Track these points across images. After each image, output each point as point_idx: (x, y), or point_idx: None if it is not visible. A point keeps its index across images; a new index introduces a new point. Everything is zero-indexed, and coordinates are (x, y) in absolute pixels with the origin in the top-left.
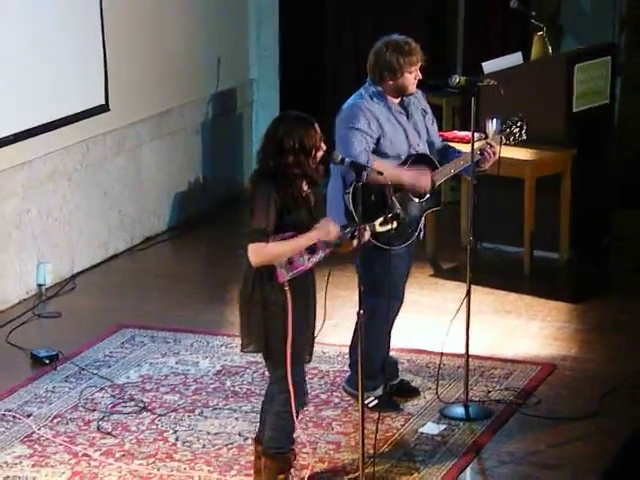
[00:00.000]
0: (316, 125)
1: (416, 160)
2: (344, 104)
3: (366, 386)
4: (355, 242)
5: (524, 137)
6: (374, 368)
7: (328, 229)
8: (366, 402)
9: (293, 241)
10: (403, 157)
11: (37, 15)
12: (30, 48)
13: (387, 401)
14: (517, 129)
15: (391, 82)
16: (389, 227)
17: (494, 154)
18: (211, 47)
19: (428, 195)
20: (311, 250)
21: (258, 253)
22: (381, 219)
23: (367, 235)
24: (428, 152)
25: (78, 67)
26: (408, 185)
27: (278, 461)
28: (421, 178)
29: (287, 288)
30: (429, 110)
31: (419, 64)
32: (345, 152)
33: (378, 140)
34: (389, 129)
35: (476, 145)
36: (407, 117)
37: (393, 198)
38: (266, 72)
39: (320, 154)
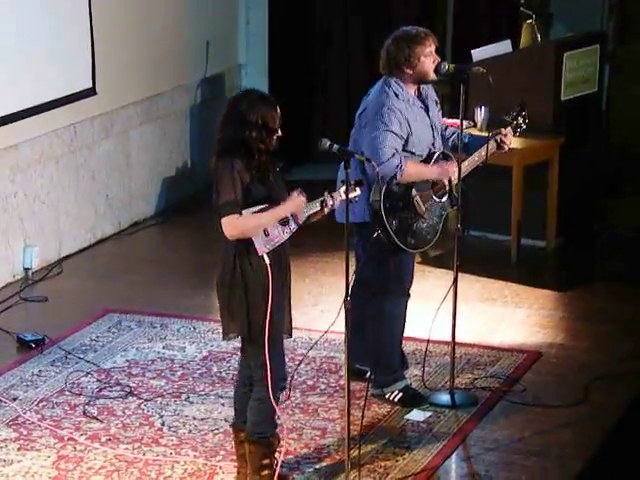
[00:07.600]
0: (277, 107)
1: (442, 158)
2: (366, 102)
3: (387, 381)
4: (326, 211)
5: (523, 126)
6: (393, 364)
7: (299, 201)
8: (391, 397)
9: (268, 212)
10: (425, 154)
11: None
12: (16, 31)
13: (412, 394)
14: (521, 118)
15: (410, 71)
16: (354, 194)
17: (510, 144)
18: (200, 30)
19: (447, 195)
20: (283, 222)
21: (233, 225)
22: (343, 187)
23: (337, 202)
24: (442, 147)
25: (65, 50)
26: (436, 180)
27: (262, 446)
28: (444, 169)
29: (268, 261)
30: (438, 100)
31: (433, 47)
32: (375, 154)
33: (406, 140)
34: (416, 128)
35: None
36: (427, 111)
37: (417, 199)
38: (255, 57)
39: (277, 136)
